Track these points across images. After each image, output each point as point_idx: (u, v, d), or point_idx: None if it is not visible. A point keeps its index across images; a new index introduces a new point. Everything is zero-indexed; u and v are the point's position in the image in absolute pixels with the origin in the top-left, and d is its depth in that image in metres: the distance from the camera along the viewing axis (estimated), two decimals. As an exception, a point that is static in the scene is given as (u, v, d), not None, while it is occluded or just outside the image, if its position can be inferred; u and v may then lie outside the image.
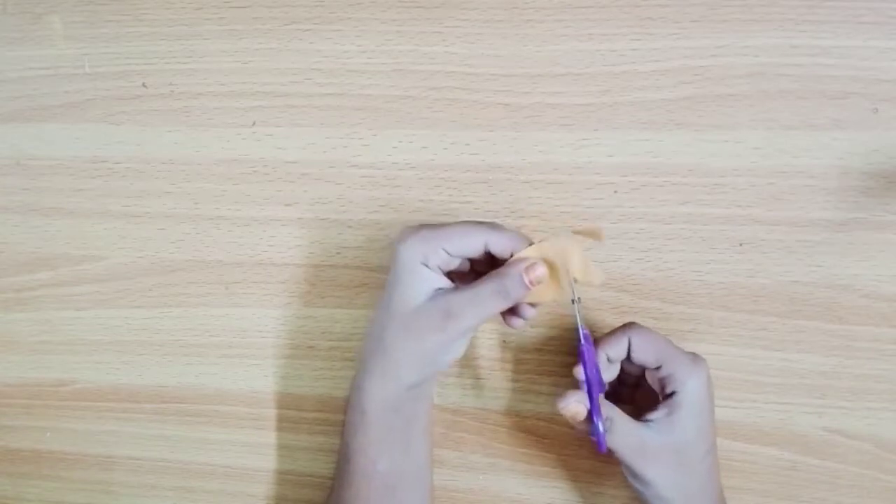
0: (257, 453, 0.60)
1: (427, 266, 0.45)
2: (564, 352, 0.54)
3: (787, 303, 0.51)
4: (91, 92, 0.57)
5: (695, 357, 0.47)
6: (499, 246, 0.45)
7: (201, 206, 0.57)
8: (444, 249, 0.45)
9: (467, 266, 0.49)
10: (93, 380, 0.61)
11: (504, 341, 0.55)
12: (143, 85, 0.56)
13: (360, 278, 0.56)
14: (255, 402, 0.59)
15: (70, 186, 0.59)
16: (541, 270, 0.45)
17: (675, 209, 0.51)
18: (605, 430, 0.45)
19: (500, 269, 0.45)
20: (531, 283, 0.44)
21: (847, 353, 0.51)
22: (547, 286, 0.46)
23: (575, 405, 0.46)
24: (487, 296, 0.44)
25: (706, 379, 0.46)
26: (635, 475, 0.46)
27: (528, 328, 0.54)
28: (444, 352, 0.46)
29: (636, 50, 0.50)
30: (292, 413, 0.59)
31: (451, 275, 0.47)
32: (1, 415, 0.64)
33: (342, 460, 0.50)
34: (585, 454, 0.55)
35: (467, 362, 0.56)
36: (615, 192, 0.52)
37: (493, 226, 0.46)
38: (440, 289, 0.45)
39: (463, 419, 0.56)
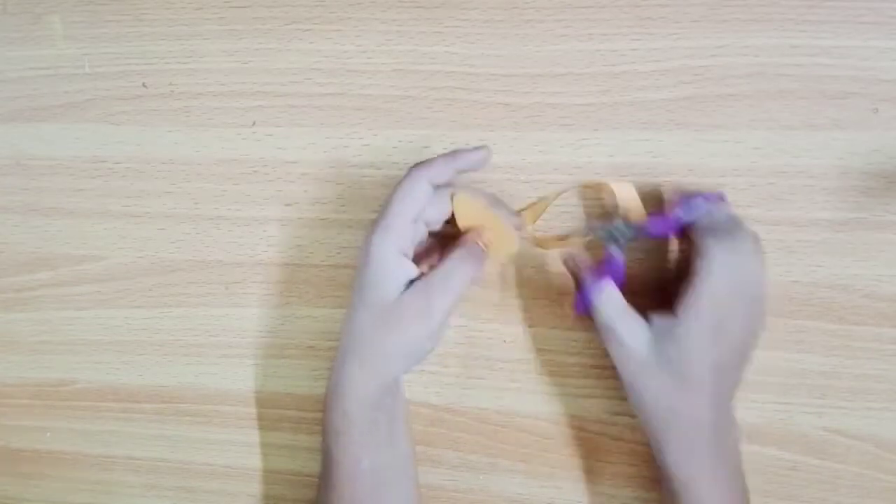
0: (257, 453, 0.60)
1: (403, 255, 0.46)
2: (565, 352, 0.54)
3: (788, 303, 0.51)
4: (91, 92, 0.57)
5: (738, 231, 0.44)
6: (441, 177, 0.47)
7: (201, 206, 0.57)
8: (407, 221, 0.45)
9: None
10: (93, 380, 0.61)
11: (504, 341, 0.55)
12: (144, 85, 0.56)
13: (360, 278, 0.56)
14: (255, 402, 0.59)
15: (70, 186, 0.59)
16: (487, 233, 0.48)
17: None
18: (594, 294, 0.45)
19: (455, 246, 0.48)
20: (486, 244, 0.48)
21: (847, 352, 0.51)
22: (496, 241, 0.49)
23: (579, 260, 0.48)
24: (456, 268, 0.46)
25: (736, 266, 0.42)
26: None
27: (528, 327, 0.54)
28: (428, 339, 0.47)
29: (636, 50, 0.50)
30: (292, 413, 0.59)
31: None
32: (1, 415, 0.64)
33: (326, 463, 0.50)
34: (585, 454, 0.55)
35: (467, 362, 0.56)
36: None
37: (426, 166, 0.46)
38: (412, 280, 0.46)
39: (463, 419, 0.56)
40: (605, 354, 0.54)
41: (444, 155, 0.47)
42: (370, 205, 0.55)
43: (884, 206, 0.49)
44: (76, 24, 0.56)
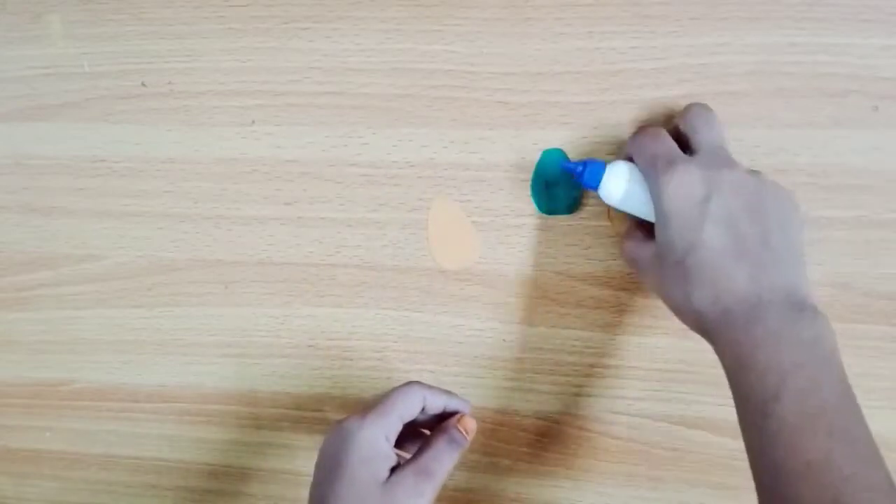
0: (257, 453, 0.60)
1: (388, 441, 0.47)
2: (565, 351, 0.54)
3: (788, 301, 0.51)
4: (90, 91, 0.57)
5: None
6: (434, 404, 0.49)
7: (201, 205, 0.57)
8: (401, 419, 0.47)
9: None
10: (93, 380, 0.61)
11: (504, 340, 0.55)
12: (143, 84, 0.56)
13: (359, 277, 0.56)
14: (255, 402, 0.59)
15: (70, 186, 0.59)
16: (472, 424, 0.49)
17: (675, 207, 0.51)
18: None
19: (442, 427, 0.49)
20: (466, 431, 0.49)
21: (847, 351, 0.50)
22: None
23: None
24: (443, 451, 0.47)
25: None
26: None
27: (528, 327, 0.54)
28: None
29: (636, 48, 0.50)
30: (292, 413, 0.59)
31: None
32: (1, 415, 0.64)
33: None
34: (585, 454, 0.55)
35: (467, 361, 0.56)
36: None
37: (427, 387, 0.49)
38: (393, 466, 0.47)
39: (463, 418, 0.56)
40: (605, 354, 0.54)
41: (444, 390, 0.50)
42: (369, 204, 0.55)
43: (884, 205, 0.49)
44: (75, 23, 0.56)
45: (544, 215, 0.53)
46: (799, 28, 0.48)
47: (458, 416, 0.49)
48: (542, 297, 0.54)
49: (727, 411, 0.52)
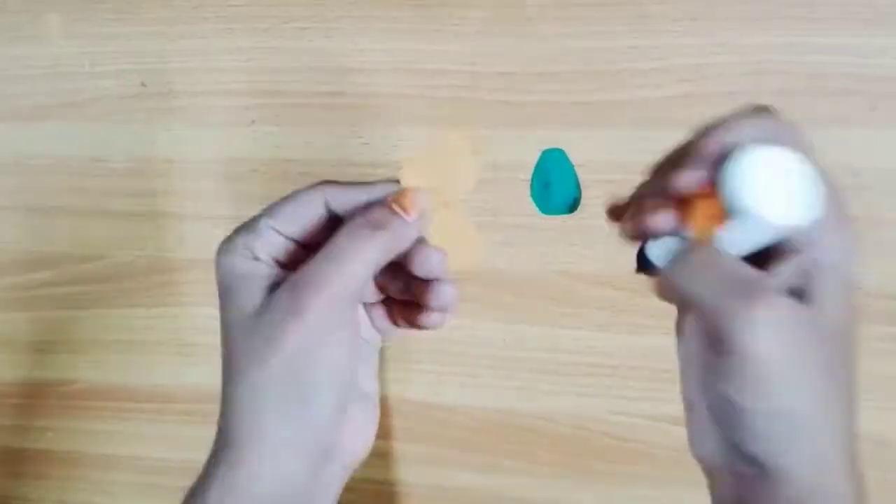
0: (257, 453, 0.60)
1: (258, 259, 0.33)
2: (565, 351, 0.54)
3: (788, 301, 0.51)
4: (90, 91, 0.57)
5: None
6: (343, 200, 0.34)
7: (200, 204, 0.57)
8: (273, 230, 0.33)
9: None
10: (93, 380, 0.61)
11: (504, 340, 0.55)
12: (142, 84, 0.56)
13: (359, 277, 0.56)
14: (255, 402, 0.59)
15: (70, 185, 0.59)
16: (414, 198, 0.33)
17: (675, 207, 0.51)
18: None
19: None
20: (403, 207, 0.33)
21: (847, 351, 0.51)
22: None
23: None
24: (347, 239, 0.31)
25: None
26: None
27: (529, 326, 0.54)
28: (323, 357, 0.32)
29: (636, 48, 0.50)
30: (292, 412, 0.59)
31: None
32: (1, 415, 0.64)
33: None
34: (585, 454, 0.55)
35: (467, 361, 0.55)
36: (615, 190, 0.52)
37: (334, 182, 0.34)
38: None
39: (463, 419, 0.56)
40: (605, 354, 0.54)
41: (363, 183, 0.35)
42: (369, 203, 0.55)
43: (884, 205, 0.49)
44: (75, 23, 0.56)
45: (544, 215, 0.53)
46: (798, 28, 0.48)
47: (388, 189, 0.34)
48: (542, 297, 0.54)
49: (727, 411, 0.52)
